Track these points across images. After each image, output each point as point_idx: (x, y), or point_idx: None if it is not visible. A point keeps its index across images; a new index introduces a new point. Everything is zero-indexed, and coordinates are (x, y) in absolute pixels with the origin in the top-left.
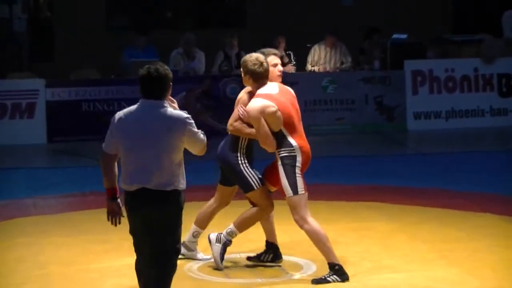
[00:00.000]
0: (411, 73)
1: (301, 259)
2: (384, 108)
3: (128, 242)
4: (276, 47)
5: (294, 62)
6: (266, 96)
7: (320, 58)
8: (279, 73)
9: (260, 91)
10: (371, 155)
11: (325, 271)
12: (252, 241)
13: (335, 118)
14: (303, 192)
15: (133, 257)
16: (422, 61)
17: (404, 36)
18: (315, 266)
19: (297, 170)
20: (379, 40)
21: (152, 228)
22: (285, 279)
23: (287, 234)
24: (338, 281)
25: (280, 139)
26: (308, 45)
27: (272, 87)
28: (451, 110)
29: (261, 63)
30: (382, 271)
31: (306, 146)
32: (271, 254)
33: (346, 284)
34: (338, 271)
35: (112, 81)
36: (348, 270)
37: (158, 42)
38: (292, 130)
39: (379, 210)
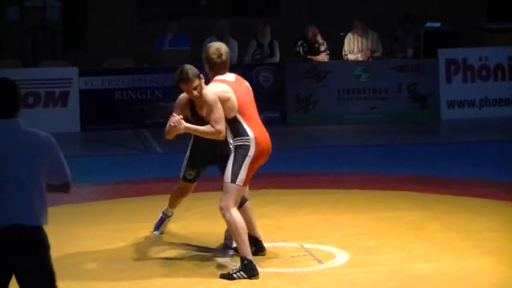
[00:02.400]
0: (444, 62)
1: (334, 248)
2: (417, 96)
3: None
4: (308, 36)
5: (328, 51)
6: (222, 81)
7: (354, 46)
8: (197, 95)
9: (217, 77)
10: (404, 144)
11: (358, 260)
12: (285, 230)
13: (368, 106)
14: (241, 184)
15: (164, 246)
16: (456, 50)
17: (437, 24)
18: (348, 254)
19: (247, 161)
20: (412, 28)
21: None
22: (317, 268)
23: (320, 223)
24: (244, 278)
25: (236, 127)
26: (341, 33)
27: (229, 76)
28: (485, 99)
29: (220, 55)
30: (415, 260)
31: (263, 138)
32: (253, 247)
33: (378, 273)
34: (247, 266)
35: (145, 69)
36: (380, 259)
37: (191, 31)
38: (248, 118)
39: (412, 199)
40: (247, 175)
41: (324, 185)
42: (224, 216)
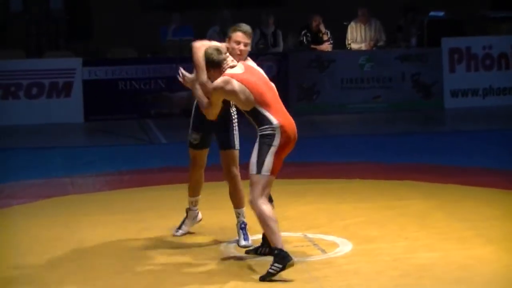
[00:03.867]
0: (448, 51)
1: (338, 237)
2: (421, 85)
3: (164, 221)
4: (311, 26)
5: (331, 41)
6: (232, 75)
7: (357, 35)
8: (239, 53)
9: (226, 72)
10: (408, 133)
11: (361, 249)
12: (288, 219)
13: (371, 96)
14: (267, 174)
15: (170, 236)
16: (459, 39)
17: (441, 13)
18: (351, 244)
19: (272, 150)
20: (416, 18)
21: None
22: (321, 258)
23: (323, 213)
24: (279, 269)
25: (259, 118)
26: (345, 23)
27: (237, 68)
28: (489, 88)
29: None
30: (418, 249)
31: (290, 125)
32: (266, 248)
33: (381, 262)
34: (278, 256)
35: (149, 59)
36: (384, 248)
37: (194, 21)
38: (269, 106)
39: (415, 188)
40: (274, 164)
41: (327, 175)
42: (253, 210)
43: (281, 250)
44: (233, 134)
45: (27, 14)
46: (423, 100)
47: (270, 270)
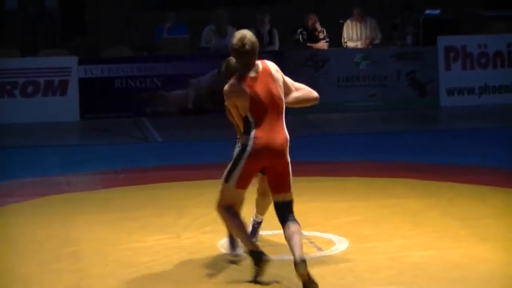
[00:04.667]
0: (443, 49)
1: (334, 235)
2: (416, 84)
3: (159, 219)
4: (307, 24)
5: (327, 39)
6: (240, 78)
7: (353, 33)
8: None
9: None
10: (403, 131)
11: (357, 247)
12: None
13: (367, 94)
14: (232, 185)
15: (165, 234)
16: (455, 37)
17: (437, 11)
18: (347, 242)
19: (242, 161)
20: (411, 16)
21: None
22: (317, 255)
23: (319, 211)
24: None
25: (245, 126)
26: (341, 21)
27: (253, 71)
28: (484, 86)
29: (243, 44)
30: (413, 247)
31: (265, 138)
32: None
33: (376, 261)
34: (251, 257)
35: (144, 58)
36: (379, 247)
37: (189, 20)
38: (258, 118)
39: (410, 187)
40: (242, 177)
41: (323, 173)
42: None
43: (251, 251)
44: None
45: (22, 12)
46: (418, 98)
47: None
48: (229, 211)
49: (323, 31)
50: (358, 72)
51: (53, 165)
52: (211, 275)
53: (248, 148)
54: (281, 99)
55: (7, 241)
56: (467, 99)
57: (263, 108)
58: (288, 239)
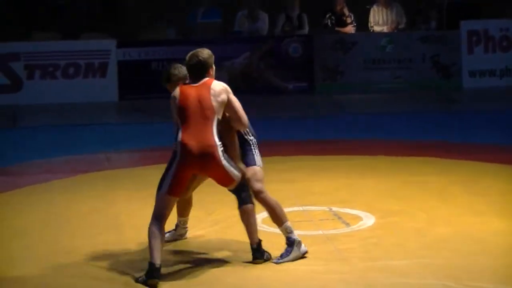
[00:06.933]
0: (466, 33)
1: (361, 211)
2: (440, 66)
3: (195, 195)
4: (335, 9)
5: (355, 24)
6: (181, 86)
7: (379, 19)
8: None
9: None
10: (427, 112)
11: (383, 222)
12: (314, 194)
13: (393, 76)
14: (165, 193)
15: (201, 210)
16: (477, 21)
17: None
18: (374, 217)
19: (171, 170)
20: (435, 1)
21: None
22: (345, 230)
23: (347, 188)
24: (144, 280)
25: (176, 131)
26: (367, 6)
27: (195, 82)
28: (505, 69)
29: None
30: (437, 223)
31: (190, 145)
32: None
33: (402, 235)
34: (148, 268)
35: (180, 41)
36: (405, 221)
37: (223, 4)
38: (184, 123)
39: (435, 165)
40: (174, 183)
41: (350, 151)
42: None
43: (151, 264)
44: (252, 154)
45: None
46: (442, 80)
47: (139, 277)
48: (156, 222)
49: (351, 16)
50: (384, 55)
51: (94, 143)
52: (244, 250)
53: (178, 154)
54: (211, 109)
55: (51, 216)
56: (489, 81)
57: (189, 114)
58: (243, 224)
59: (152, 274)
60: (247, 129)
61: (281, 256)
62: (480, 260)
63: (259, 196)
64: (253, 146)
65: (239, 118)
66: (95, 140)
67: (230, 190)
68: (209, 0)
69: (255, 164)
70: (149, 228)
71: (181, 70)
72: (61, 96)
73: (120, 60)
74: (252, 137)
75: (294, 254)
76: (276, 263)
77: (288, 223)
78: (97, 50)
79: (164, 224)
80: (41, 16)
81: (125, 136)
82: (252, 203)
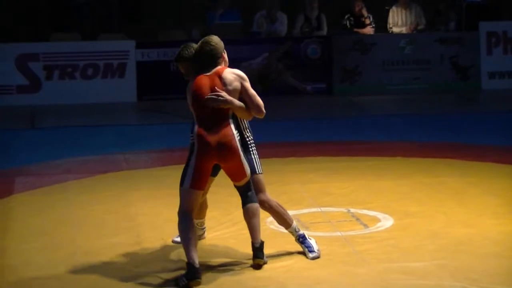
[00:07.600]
0: (485, 34)
1: (379, 213)
2: (459, 67)
3: (212, 196)
4: (354, 10)
5: (373, 25)
6: (194, 77)
7: (398, 20)
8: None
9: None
10: (446, 113)
11: (401, 224)
12: (332, 195)
13: (411, 77)
14: (188, 188)
15: (218, 210)
16: (496, 23)
17: None
18: (392, 219)
19: (191, 163)
20: (454, 2)
21: None
22: (363, 232)
23: (365, 189)
24: (184, 283)
25: (193, 123)
26: (387, 7)
27: (207, 71)
28: None
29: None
30: (455, 224)
31: (206, 136)
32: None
33: (420, 237)
34: (186, 269)
35: (198, 42)
36: (422, 223)
37: (241, 5)
38: (199, 114)
39: (453, 166)
40: (195, 176)
41: (368, 153)
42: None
43: (190, 265)
44: (252, 158)
45: None
46: (461, 82)
47: (179, 280)
48: (185, 217)
49: (370, 17)
50: (403, 56)
51: (112, 144)
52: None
53: (195, 147)
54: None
55: (68, 216)
56: (507, 82)
57: (203, 105)
58: (246, 222)
59: (194, 275)
60: (247, 130)
61: (310, 251)
62: (499, 262)
63: (264, 205)
64: (252, 149)
65: (256, 105)
66: (113, 140)
67: (237, 187)
68: (228, 1)
69: (255, 172)
70: (179, 226)
71: (191, 50)
72: (80, 97)
73: (139, 60)
74: (252, 141)
75: (312, 242)
76: (313, 258)
77: (295, 223)
78: (116, 51)
79: (192, 218)
80: (60, 17)
81: (143, 137)
82: (257, 202)
